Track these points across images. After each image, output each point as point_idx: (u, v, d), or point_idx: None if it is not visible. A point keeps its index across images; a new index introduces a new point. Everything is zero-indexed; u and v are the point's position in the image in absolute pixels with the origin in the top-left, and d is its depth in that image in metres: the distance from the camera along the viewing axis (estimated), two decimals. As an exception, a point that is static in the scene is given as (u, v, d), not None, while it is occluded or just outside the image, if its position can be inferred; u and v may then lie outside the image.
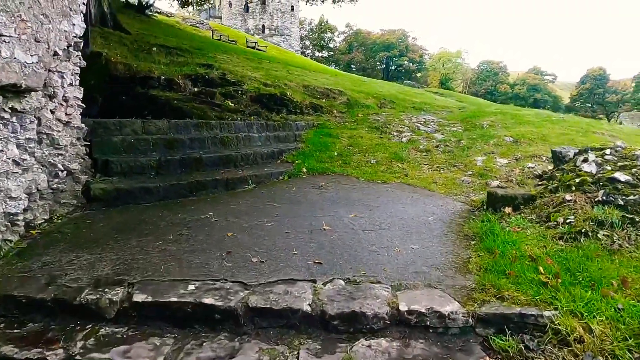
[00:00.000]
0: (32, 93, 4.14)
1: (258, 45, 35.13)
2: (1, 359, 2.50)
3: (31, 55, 3.84)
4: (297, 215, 4.89)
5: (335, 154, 8.24)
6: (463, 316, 2.70)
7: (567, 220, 3.80)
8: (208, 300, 2.83)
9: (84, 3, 4.98)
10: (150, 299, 2.86)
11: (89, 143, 5.48)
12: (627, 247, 3.33)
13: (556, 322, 2.51)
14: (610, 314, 2.50)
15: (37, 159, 4.35)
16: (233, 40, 33.38)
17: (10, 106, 3.85)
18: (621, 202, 3.72)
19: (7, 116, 3.83)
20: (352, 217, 4.84)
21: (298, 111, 11.65)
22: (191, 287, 3.03)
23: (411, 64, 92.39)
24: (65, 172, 4.88)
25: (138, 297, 2.88)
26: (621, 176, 3.99)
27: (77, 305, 2.83)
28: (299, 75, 16.45)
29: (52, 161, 4.70)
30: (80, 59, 5.13)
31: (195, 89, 11.22)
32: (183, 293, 2.92)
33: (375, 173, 7.14)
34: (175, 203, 5.39)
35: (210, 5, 60.60)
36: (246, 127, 8.47)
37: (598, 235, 3.50)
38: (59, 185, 4.82)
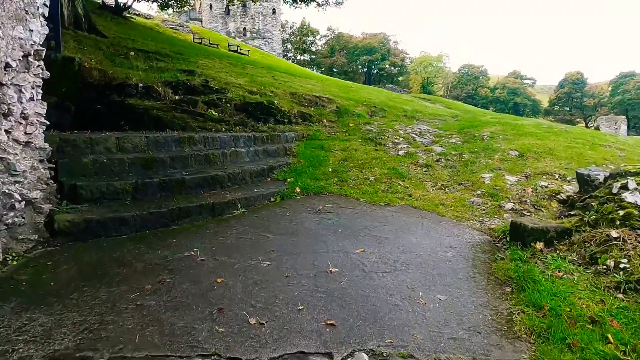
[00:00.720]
0: (-24, 114, 3.42)
1: (240, 49, 34.35)
2: None
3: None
4: (296, 251, 4.24)
5: (330, 169, 7.61)
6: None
7: (620, 265, 3.23)
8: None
9: (45, 4, 4.25)
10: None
11: (54, 165, 4.74)
12: None
13: None
14: None
15: (-15, 192, 3.63)
16: (214, 44, 32.57)
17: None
18: (684, 244, 3.18)
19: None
20: (359, 252, 4.22)
21: (286, 121, 10.99)
22: (175, 373, 2.36)
23: (393, 68, 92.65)
24: (23, 203, 4.14)
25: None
26: (677, 211, 3.46)
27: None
28: (285, 81, 15.79)
29: (6, 191, 3.97)
30: (42, 70, 4.39)
31: (176, 97, 10.47)
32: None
33: (375, 193, 6.53)
34: (155, 235, 4.69)
35: (190, 8, 59.43)
36: (232, 141, 7.77)
37: (665, 287, 2.94)
38: (16, 220, 4.08)
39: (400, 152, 8.79)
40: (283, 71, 20.29)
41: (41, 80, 4.41)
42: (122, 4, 25.75)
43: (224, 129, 9.66)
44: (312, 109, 12.39)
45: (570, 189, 6.13)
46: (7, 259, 3.89)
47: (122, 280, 3.52)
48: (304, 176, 7.16)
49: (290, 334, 2.74)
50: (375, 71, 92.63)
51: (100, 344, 2.60)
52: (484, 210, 5.82)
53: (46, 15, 4.33)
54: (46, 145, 4.51)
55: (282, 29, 77.39)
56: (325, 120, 11.66)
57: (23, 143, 4.21)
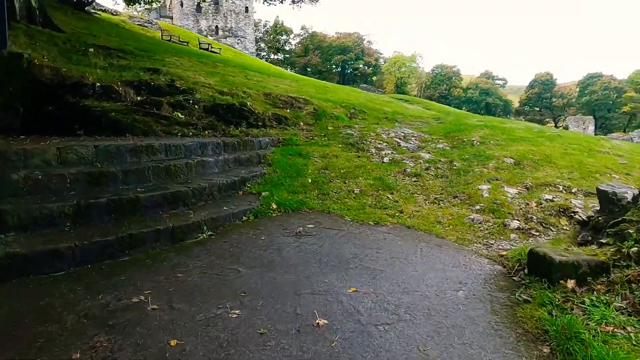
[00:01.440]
0: None
1: (212, 47, 33.15)
2: None
3: None
4: (273, 293, 3.42)
5: (310, 180, 6.80)
6: None
7: (688, 318, 2.54)
8: None
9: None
10: None
11: (-29, 185, 3.82)
12: None
13: None
14: None
15: None
16: (184, 42, 31.34)
17: None
18: None
19: None
20: (351, 293, 3.43)
21: (260, 124, 10.13)
22: None
23: (367, 68, 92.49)
24: None
25: None
26: None
27: None
28: (258, 81, 14.89)
29: None
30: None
31: (138, 98, 9.47)
32: None
33: (362, 209, 5.75)
34: (99, 270, 3.79)
35: (160, 4, 57.61)
36: (199, 149, 6.88)
37: None
38: None
39: (385, 160, 8.05)
40: (256, 70, 19.37)
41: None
42: (84, -2, 24.30)
43: (191, 133, 8.77)
44: (288, 110, 11.55)
45: (579, 203, 5.50)
46: None
47: (44, 345, 2.65)
48: (280, 189, 6.34)
49: None
50: (349, 71, 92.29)
51: None
52: (486, 229, 5.11)
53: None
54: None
55: (255, 28, 76.18)
56: (302, 123, 10.84)
57: None
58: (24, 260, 3.61)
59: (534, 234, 4.96)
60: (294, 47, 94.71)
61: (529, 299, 3.25)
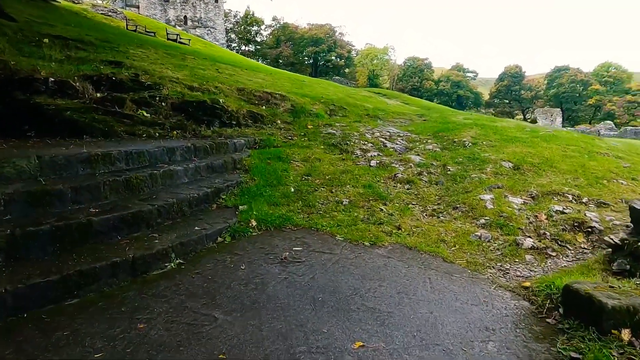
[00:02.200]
0: None
1: (180, 38, 31.77)
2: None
3: None
4: (259, 354, 2.70)
5: (292, 189, 6.08)
6: None
7: None
8: None
9: None
10: None
11: None
12: None
13: None
14: None
15: None
16: (151, 32, 29.91)
17: None
18: None
19: None
20: (358, 349, 2.75)
21: (234, 123, 9.31)
22: None
23: (339, 60, 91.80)
24: None
25: None
26: None
27: None
28: (231, 74, 13.99)
29: None
30: None
31: (98, 95, 8.53)
32: None
33: (354, 224, 5.07)
34: (37, 322, 2.99)
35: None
36: (166, 155, 6.04)
37: None
38: None
39: (373, 163, 7.39)
40: (228, 63, 18.39)
41: None
42: (41, -15, 22.69)
43: (157, 134, 7.94)
44: (264, 107, 10.75)
45: (594, 216, 4.96)
46: None
47: None
48: (260, 201, 5.59)
49: None
50: (321, 63, 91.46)
51: None
52: (497, 249, 4.51)
53: None
54: None
55: (225, 18, 74.37)
56: (279, 122, 10.07)
57: None
58: None
59: (550, 255, 4.39)
60: (265, 38, 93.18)
61: (578, 356, 2.63)
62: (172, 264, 4.00)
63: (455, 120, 11.06)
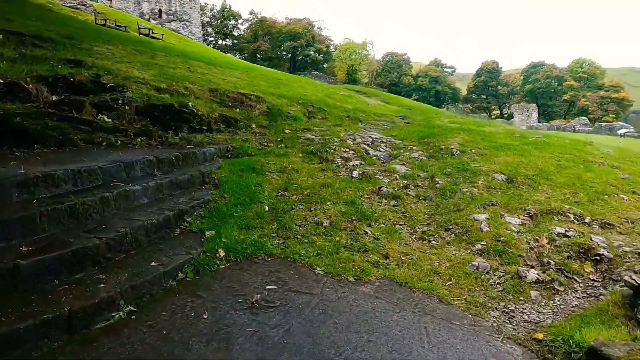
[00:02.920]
0: None
1: (153, 33, 30.57)
2: None
3: None
4: None
5: (266, 207, 5.46)
6: None
7: None
8: None
9: None
10: None
11: None
12: None
13: None
14: None
15: None
16: (122, 26, 28.67)
17: None
18: None
19: None
20: None
21: (205, 128, 8.60)
22: None
23: (318, 55, 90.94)
24: None
25: None
26: None
27: None
28: (204, 73, 13.20)
29: None
30: None
31: (54, 98, 7.75)
32: None
33: (336, 252, 4.48)
34: None
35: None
36: (124, 171, 5.32)
37: None
38: None
39: (355, 174, 6.81)
40: (202, 60, 17.51)
41: None
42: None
43: (119, 141, 7.25)
44: (238, 110, 10.05)
45: (600, 241, 4.48)
46: None
47: None
48: (229, 224, 4.95)
49: None
50: (300, 58, 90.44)
51: None
52: (498, 284, 3.98)
53: None
54: None
55: (201, 12, 72.78)
56: (254, 126, 9.40)
57: None
58: None
59: (558, 290, 3.88)
60: (242, 32, 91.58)
61: None
62: (121, 313, 3.34)
63: (440, 124, 10.54)
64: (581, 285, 3.97)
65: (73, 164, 4.90)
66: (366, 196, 6.02)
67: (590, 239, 4.50)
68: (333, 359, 2.86)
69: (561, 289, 3.90)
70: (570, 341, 2.90)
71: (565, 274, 4.11)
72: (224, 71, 15.30)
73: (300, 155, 7.71)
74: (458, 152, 7.58)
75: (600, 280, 4.03)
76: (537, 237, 4.66)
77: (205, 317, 3.33)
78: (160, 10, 61.05)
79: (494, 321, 3.43)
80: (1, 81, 7.24)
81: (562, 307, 3.65)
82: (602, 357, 2.51)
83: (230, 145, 7.96)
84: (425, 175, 6.72)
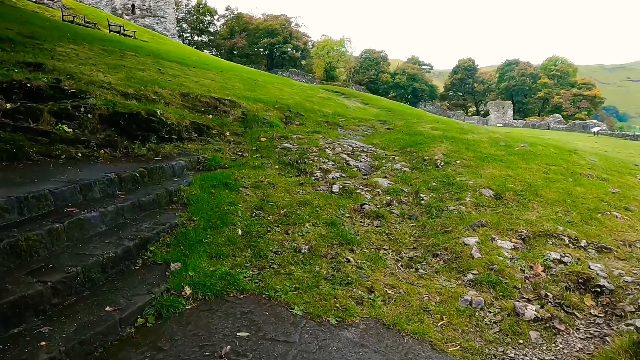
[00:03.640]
0: None
1: (124, 30, 29.54)
2: None
3: None
4: None
5: (239, 232, 5.00)
6: None
7: None
8: None
9: None
10: None
11: None
12: None
13: None
14: None
15: None
16: (91, 23, 27.64)
17: None
18: None
19: None
20: None
21: (174, 137, 8.07)
22: None
23: (295, 52, 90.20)
24: None
25: None
26: None
27: None
28: (176, 75, 12.59)
29: None
30: None
31: (8, 106, 7.20)
32: None
33: (316, 286, 4.05)
34: None
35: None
36: (80, 193, 4.79)
37: None
38: None
39: (335, 188, 6.40)
40: (174, 60, 16.83)
41: None
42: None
43: (80, 154, 6.75)
44: (211, 117, 9.53)
45: (599, 269, 4.17)
46: None
47: None
48: (199, 252, 4.48)
49: None
50: (277, 54, 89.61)
51: None
52: (494, 322, 3.62)
53: None
54: None
55: (176, 7, 71.24)
56: (228, 134, 8.90)
57: None
58: None
59: (559, 329, 3.55)
60: (219, 28, 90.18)
61: None
62: (64, 378, 2.86)
63: (422, 130, 10.17)
64: (583, 322, 3.65)
65: (21, 187, 4.36)
66: (347, 215, 5.62)
67: (589, 267, 4.20)
68: None
69: (562, 327, 3.57)
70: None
71: (565, 308, 3.79)
72: (197, 72, 14.69)
73: (277, 167, 7.26)
74: (442, 164, 7.24)
75: (602, 315, 3.72)
76: (531, 264, 4.34)
77: (165, 381, 2.87)
78: (133, 5, 59.51)
79: (493, 374, 3.07)
80: (-53, 88, 6.62)
81: (565, 351, 3.31)
82: None
83: (202, 156, 7.46)
84: (410, 190, 6.35)
